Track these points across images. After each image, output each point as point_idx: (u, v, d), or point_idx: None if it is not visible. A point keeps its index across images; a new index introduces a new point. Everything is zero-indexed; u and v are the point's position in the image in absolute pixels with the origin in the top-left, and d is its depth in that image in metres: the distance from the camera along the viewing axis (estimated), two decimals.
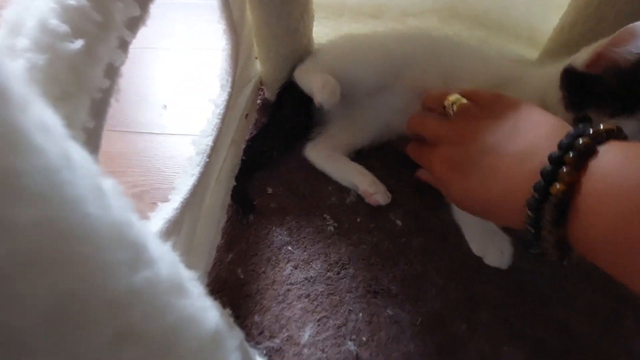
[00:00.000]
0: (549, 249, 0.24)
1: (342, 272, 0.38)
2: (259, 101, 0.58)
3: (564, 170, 0.22)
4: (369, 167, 0.46)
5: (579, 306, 0.34)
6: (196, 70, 0.72)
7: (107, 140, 0.61)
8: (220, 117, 0.40)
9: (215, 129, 0.39)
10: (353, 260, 0.39)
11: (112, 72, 0.18)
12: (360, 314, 0.35)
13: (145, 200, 0.49)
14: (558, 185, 0.22)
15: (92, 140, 0.18)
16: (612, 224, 0.20)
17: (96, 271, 0.08)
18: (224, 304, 0.36)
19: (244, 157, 0.47)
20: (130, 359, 0.09)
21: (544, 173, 0.23)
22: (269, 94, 0.57)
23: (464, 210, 0.30)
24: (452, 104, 0.33)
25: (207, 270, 0.37)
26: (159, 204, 0.30)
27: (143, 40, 0.79)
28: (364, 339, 0.33)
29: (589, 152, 0.22)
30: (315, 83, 0.42)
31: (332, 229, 0.42)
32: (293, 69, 0.53)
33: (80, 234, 0.08)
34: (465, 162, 0.29)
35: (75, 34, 0.14)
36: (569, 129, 0.25)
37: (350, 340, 0.33)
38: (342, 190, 0.45)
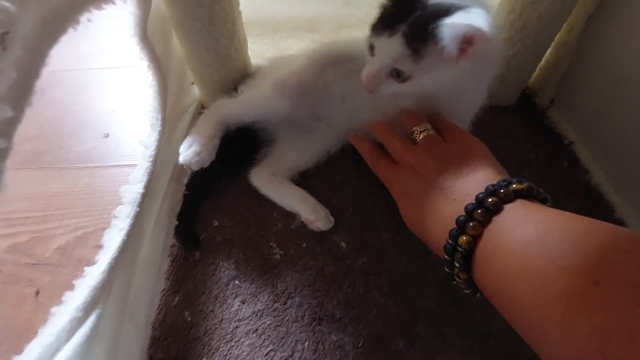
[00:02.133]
0: (462, 286, 0.27)
1: (289, 301, 0.39)
2: None
3: (470, 224, 0.25)
4: (313, 187, 0.47)
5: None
6: (136, 91, 0.69)
7: (45, 179, 0.59)
8: (151, 159, 0.39)
9: (146, 173, 0.38)
10: (299, 288, 0.40)
11: None
12: (306, 343, 0.36)
13: (89, 243, 0.48)
14: (464, 237, 0.25)
15: None
16: (498, 278, 0.23)
17: None
18: (171, 351, 0.37)
19: (186, 192, 0.46)
20: None
21: (458, 222, 0.26)
22: None
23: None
24: (420, 133, 0.36)
25: (150, 321, 0.37)
26: (85, 268, 0.30)
27: (75, 61, 0.75)
28: None
29: (495, 209, 0.25)
30: (185, 140, 0.42)
31: (278, 257, 0.43)
32: (232, 92, 0.52)
33: None
34: (417, 193, 0.33)
35: None
36: (500, 177, 0.28)
37: None
38: (288, 215, 0.46)
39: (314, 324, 0.38)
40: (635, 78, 0.44)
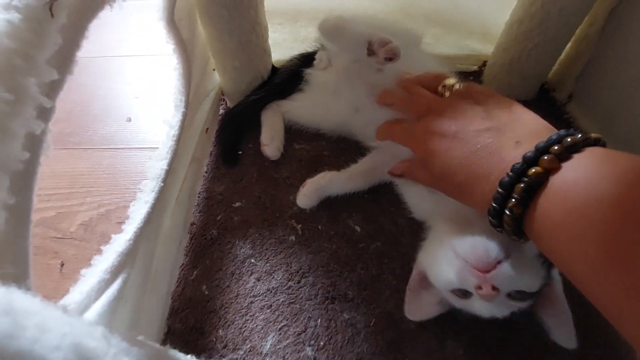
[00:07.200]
0: (510, 227, 0.26)
1: (303, 280, 0.40)
2: (221, 111, 0.58)
3: (545, 157, 0.24)
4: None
5: None
6: (158, 78, 0.71)
7: (70, 159, 0.61)
8: (175, 138, 0.41)
9: (170, 151, 0.40)
10: (313, 268, 0.41)
11: (34, 142, 0.19)
12: (319, 320, 0.37)
13: (112, 220, 0.50)
14: (536, 168, 0.24)
15: (16, 216, 0.19)
16: (561, 218, 0.23)
17: None
18: (188, 321, 0.38)
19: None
20: None
21: (526, 157, 0.25)
22: (232, 104, 0.57)
23: (439, 185, 0.33)
24: (451, 86, 0.35)
25: (170, 291, 0.38)
26: (112, 236, 0.32)
27: (100, 48, 0.78)
28: (322, 343, 0.36)
29: (574, 149, 0.24)
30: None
31: (293, 238, 0.44)
32: (252, 79, 0.53)
33: None
34: (456, 135, 0.31)
35: None
36: (555, 131, 0.28)
37: (309, 345, 0.36)
38: None
39: (326, 302, 0.39)
40: None
